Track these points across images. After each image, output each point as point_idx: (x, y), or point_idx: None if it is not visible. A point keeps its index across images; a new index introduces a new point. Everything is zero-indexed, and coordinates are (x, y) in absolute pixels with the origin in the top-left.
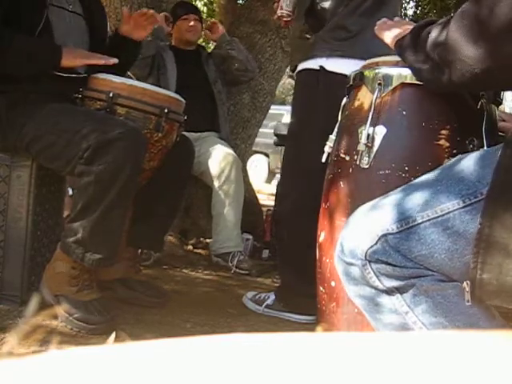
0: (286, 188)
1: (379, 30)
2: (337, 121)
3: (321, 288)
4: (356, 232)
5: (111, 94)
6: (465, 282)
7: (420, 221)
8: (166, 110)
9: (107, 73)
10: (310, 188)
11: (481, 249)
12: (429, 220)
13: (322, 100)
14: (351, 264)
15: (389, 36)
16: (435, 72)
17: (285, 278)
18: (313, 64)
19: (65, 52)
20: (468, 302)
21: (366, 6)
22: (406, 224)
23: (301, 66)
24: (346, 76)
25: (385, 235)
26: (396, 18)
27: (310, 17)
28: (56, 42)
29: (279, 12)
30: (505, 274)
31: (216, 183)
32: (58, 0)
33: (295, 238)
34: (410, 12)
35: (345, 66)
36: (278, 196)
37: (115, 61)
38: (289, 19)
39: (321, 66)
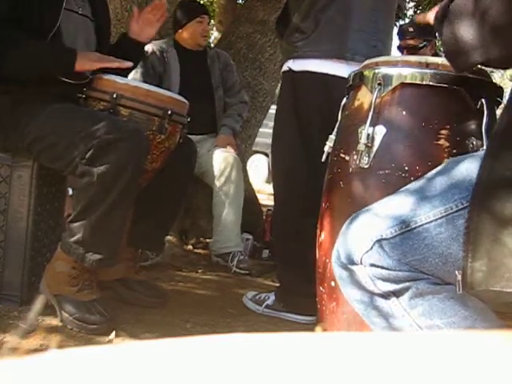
0: (274, 188)
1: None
2: (303, 118)
3: (321, 288)
4: (351, 237)
5: (115, 95)
6: (456, 272)
7: (413, 226)
8: (169, 112)
9: (112, 74)
10: (289, 187)
11: (470, 237)
12: (422, 225)
13: (292, 100)
14: (347, 269)
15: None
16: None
17: (284, 278)
18: (285, 68)
19: (79, 56)
20: (459, 291)
21: (319, 5)
22: (399, 229)
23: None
24: (311, 73)
25: (379, 240)
26: None
27: (280, 24)
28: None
29: None
30: (493, 260)
31: (217, 183)
32: (68, 3)
33: (288, 238)
34: (410, 12)
35: (304, 65)
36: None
37: (129, 64)
38: None
39: (289, 67)
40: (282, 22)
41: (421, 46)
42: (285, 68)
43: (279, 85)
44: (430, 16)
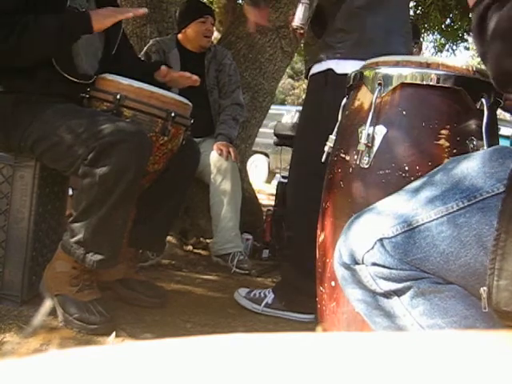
0: (291, 189)
1: None
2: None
3: (321, 288)
4: (353, 237)
5: (118, 96)
6: (481, 289)
7: (415, 225)
8: (172, 114)
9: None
10: (314, 189)
11: (497, 255)
12: (423, 224)
13: (329, 102)
14: (349, 268)
15: None
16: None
17: (288, 276)
18: (319, 67)
19: (93, 15)
20: (485, 308)
21: (359, 5)
22: (401, 228)
23: (311, 71)
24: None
25: (381, 239)
26: None
27: (314, 24)
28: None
29: (294, 25)
30: None
31: (213, 181)
32: (72, 2)
33: (302, 237)
34: (410, 12)
35: (348, 67)
36: (286, 196)
37: (145, 11)
38: (302, 31)
39: (328, 68)
40: (315, 21)
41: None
42: (319, 69)
43: (279, 85)
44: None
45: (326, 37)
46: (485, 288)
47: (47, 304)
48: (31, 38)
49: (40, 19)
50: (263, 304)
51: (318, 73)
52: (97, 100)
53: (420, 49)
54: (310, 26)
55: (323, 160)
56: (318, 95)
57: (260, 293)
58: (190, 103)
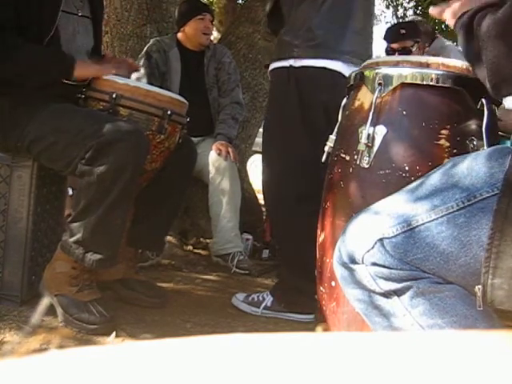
0: (264, 184)
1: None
2: (309, 115)
3: (321, 288)
4: (353, 237)
5: (114, 95)
6: (476, 287)
7: (415, 225)
8: (168, 112)
9: None
10: (289, 182)
11: (492, 253)
12: (423, 224)
13: (294, 95)
14: (349, 268)
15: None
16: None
17: (287, 277)
18: (283, 63)
19: (78, 64)
20: (480, 307)
21: (328, 4)
22: (401, 228)
23: (272, 66)
24: (315, 68)
25: (381, 239)
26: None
27: (271, 21)
28: (62, 48)
29: None
30: None
31: (211, 181)
32: (67, 5)
33: (283, 236)
34: (410, 12)
35: (315, 62)
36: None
37: (136, 66)
38: None
39: (290, 65)
40: (273, 18)
41: (413, 48)
42: (282, 64)
43: None
44: (448, 17)
45: (291, 34)
46: (479, 286)
47: (45, 302)
48: (15, 63)
49: (28, 49)
50: (262, 306)
51: (280, 68)
52: (93, 100)
53: (420, 48)
54: (266, 22)
55: (323, 160)
56: (282, 90)
57: (258, 296)
58: (185, 101)
